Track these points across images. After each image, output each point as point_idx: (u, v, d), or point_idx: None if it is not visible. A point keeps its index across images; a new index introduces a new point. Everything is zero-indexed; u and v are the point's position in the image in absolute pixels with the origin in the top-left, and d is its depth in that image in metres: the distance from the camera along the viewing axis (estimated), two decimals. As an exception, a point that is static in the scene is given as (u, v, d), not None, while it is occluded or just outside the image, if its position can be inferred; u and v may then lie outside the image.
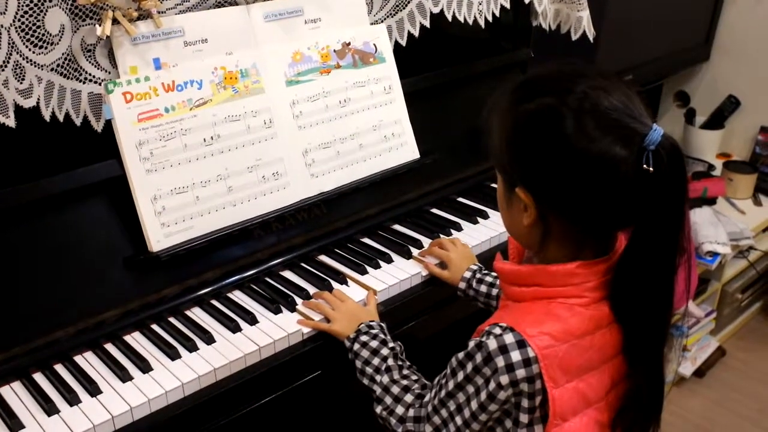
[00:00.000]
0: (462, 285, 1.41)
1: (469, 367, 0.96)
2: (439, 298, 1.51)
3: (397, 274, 1.47)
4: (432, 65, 1.81)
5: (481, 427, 0.98)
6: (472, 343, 0.97)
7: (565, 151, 0.89)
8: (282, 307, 1.36)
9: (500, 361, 0.92)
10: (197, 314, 1.35)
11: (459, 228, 1.66)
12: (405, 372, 1.18)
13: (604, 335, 0.97)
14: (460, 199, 1.79)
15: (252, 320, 1.32)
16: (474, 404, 0.97)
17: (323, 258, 1.54)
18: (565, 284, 0.96)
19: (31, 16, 1.18)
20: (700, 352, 2.63)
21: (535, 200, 0.95)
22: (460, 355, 0.99)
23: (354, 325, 1.28)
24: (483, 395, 0.95)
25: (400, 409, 1.13)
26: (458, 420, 1.00)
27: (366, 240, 1.60)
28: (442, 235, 1.61)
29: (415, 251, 1.55)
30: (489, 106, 1.00)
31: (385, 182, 1.65)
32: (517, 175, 0.96)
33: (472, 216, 1.70)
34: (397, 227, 1.66)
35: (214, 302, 1.38)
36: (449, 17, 1.76)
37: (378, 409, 1.17)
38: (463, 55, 1.90)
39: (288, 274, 1.48)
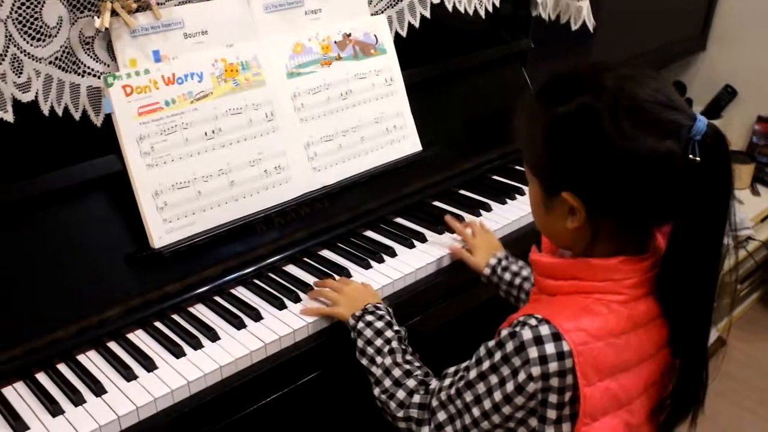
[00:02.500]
0: (487, 271, 1.39)
1: (498, 355, 0.94)
2: (444, 291, 1.50)
3: (401, 268, 1.46)
4: (432, 56, 1.79)
5: (502, 421, 0.96)
6: (504, 332, 0.94)
7: (614, 152, 0.88)
8: (286, 302, 1.34)
9: (533, 352, 0.90)
10: (201, 311, 1.33)
11: (462, 221, 1.64)
12: (408, 357, 1.16)
13: (640, 335, 0.96)
14: (462, 192, 1.77)
15: (256, 316, 1.30)
16: (497, 395, 0.94)
17: (326, 252, 1.52)
18: (605, 279, 0.95)
19: (28, 8, 1.16)
20: (700, 342, 2.62)
21: (585, 204, 0.92)
22: (491, 343, 0.97)
23: (359, 305, 1.26)
24: (510, 386, 0.93)
25: (401, 394, 1.10)
26: (476, 411, 0.97)
27: (369, 233, 1.59)
28: (446, 229, 1.59)
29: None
30: (517, 109, 0.97)
31: (387, 175, 1.63)
32: (562, 180, 0.94)
33: (475, 208, 1.68)
34: (400, 220, 1.64)
35: (218, 299, 1.36)
36: (449, 8, 1.74)
37: (376, 392, 1.14)
38: (463, 46, 1.88)
39: (291, 269, 1.46)
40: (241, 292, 1.38)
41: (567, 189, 0.93)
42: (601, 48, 2.47)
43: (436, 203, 1.72)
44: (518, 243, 1.60)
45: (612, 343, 0.93)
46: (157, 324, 1.29)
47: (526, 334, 0.91)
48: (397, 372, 1.13)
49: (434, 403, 1.04)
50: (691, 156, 0.86)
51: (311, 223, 1.51)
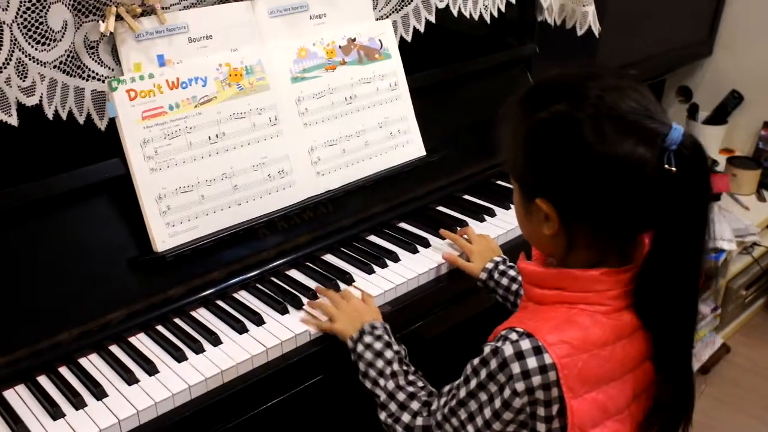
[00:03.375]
0: (483, 275, 1.39)
1: (483, 373, 0.95)
2: (447, 296, 1.50)
3: (404, 273, 1.46)
4: (437, 61, 1.79)
5: None
6: (487, 349, 0.95)
7: (586, 159, 0.87)
8: (288, 307, 1.34)
9: (516, 368, 0.90)
10: (203, 315, 1.33)
11: (464, 224, 1.63)
12: (410, 378, 1.16)
13: (625, 346, 0.95)
14: (467, 197, 1.77)
15: (258, 321, 1.30)
16: (487, 412, 0.95)
17: (329, 257, 1.52)
18: (588, 290, 0.94)
19: (33, 12, 1.16)
20: (705, 348, 2.61)
21: (558, 210, 0.92)
22: (475, 361, 0.97)
23: (357, 324, 1.24)
24: (497, 402, 0.93)
25: (406, 417, 1.10)
26: (470, 429, 0.98)
27: (372, 238, 1.58)
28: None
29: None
30: (499, 115, 0.97)
31: (391, 180, 1.63)
32: (536, 186, 0.94)
33: (479, 214, 1.68)
34: (404, 225, 1.64)
35: (220, 303, 1.36)
36: (455, 12, 1.74)
37: (382, 416, 1.14)
38: (469, 50, 1.88)
39: (294, 274, 1.46)
40: (244, 297, 1.38)
41: (541, 195, 0.93)
42: (606, 53, 2.46)
43: (441, 208, 1.72)
44: (521, 249, 1.58)
45: (596, 355, 0.92)
46: (159, 328, 1.29)
47: (508, 350, 0.91)
48: (401, 396, 1.13)
49: (433, 423, 1.05)
50: (666, 166, 0.86)
51: (315, 227, 1.51)
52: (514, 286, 1.34)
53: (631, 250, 0.98)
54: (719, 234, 2.40)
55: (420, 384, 1.16)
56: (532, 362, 0.90)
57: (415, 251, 1.53)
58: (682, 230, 0.90)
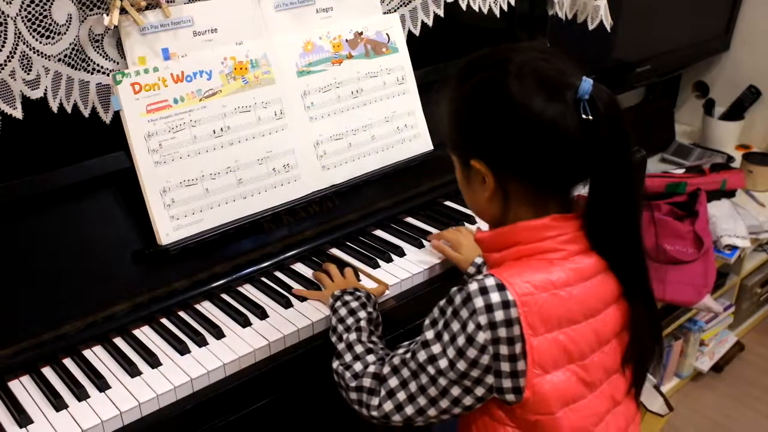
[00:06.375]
0: (471, 270, 1.40)
1: (449, 311, 0.97)
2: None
3: (409, 268, 1.45)
4: (446, 56, 1.78)
5: (457, 378, 0.97)
6: (453, 289, 0.98)
7: (509, 112, 0.94)
8: (292, 301, 1.34)
9: (479, 302, 0.93)
10: (207, 308, 1.34)
11: (473, 220, 1.63)
12: (374, 338, 1.19)
13: (587, 288, 0.99)
14: (474, 192, 1.76)
15: (262, 314, 1.30)
16: (451, 351, 0.97)
17: (335, 251, 1.51)
18: (542, 238, 0.99)
19: (37, 5, 1.17)
20: (718, 346, 2.59)
21: (491, 168, 0.98)
22: (441, 301, 1.00)
23: (343, 287, 1.30)
24: (461, 339, 0.95)
25: (358, 366, 1.12)
26: (431, 369, 0.99)
27: (378, 233, 1.58)
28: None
29: (427, 243, 1.53)
30: (441, 99, 1.04)
31: (397, 174, 1.63)
32: (469, 149, 1.00)
33: (487, 209, 1.67)
34: (410, 220, 1.63)
35: (224, 296, 1.36)
36: (463, 6, 1.73)
37: (335, 365, 1.16)
38: (478, 45, 1.85)
39: (299, 268, 1.46)
40: (248, 290, 1.39)
41: (474, 156, 1.00)
42: (621, 47, 2.44)
43: (448, 203, 1.71)
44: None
45: (555, 295, 0.96)
46: (163, 320, 1.30)
47: (472, 286, 0.95)
48: (359, 348, 1.15)
49: (386, 370, 1.06)
50: (583, 116, 0.92)
51: (320, 221, 1.51)
52: None
53: (570, 201, 1.03)
54: (733, 231, 2.37)
55: (381, 345, 1.18)
56: (495, 297, 0.93)
57: (421, 246, 1.52)
58: (611, 176, 0.97)
